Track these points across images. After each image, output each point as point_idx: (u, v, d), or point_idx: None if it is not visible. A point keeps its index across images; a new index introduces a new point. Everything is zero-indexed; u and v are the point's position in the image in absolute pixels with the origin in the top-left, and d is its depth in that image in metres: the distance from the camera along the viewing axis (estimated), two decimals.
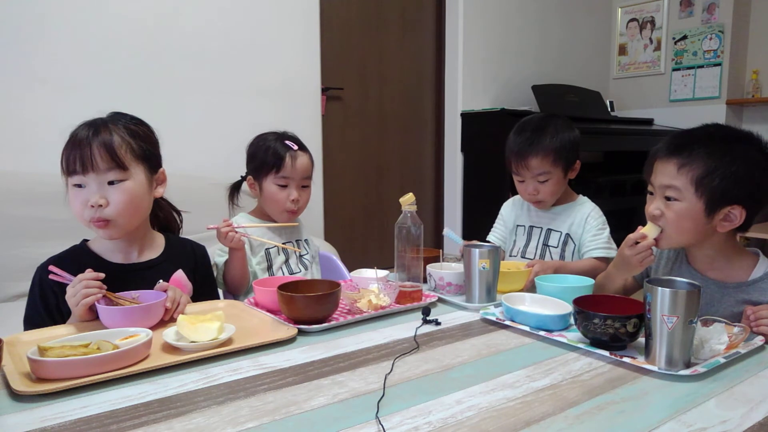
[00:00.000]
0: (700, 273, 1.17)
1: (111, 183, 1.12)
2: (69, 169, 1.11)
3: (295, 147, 1.54)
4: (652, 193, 1.16)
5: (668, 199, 1.11)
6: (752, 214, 1.09)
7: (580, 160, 1.60)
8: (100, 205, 1.10)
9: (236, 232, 1.37)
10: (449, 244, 3.95)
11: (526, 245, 1.65)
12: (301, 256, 1.59)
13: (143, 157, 1.17)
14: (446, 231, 1.57)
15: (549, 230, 1.61)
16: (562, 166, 1.54)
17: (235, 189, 1.62)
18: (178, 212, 1.38)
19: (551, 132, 1.54)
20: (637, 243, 1.14)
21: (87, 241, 1.23)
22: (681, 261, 1.21)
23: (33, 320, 1.14)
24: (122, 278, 1.14)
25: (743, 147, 1.08)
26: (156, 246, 1.27)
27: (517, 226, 1.69)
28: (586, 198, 1.66)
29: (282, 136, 1.56)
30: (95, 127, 1.13)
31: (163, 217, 1.34)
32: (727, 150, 1.07)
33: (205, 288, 1.31)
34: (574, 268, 1.47)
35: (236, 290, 1.46)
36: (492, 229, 1.76)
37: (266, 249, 1.54)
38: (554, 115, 1.65)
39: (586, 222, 1.58)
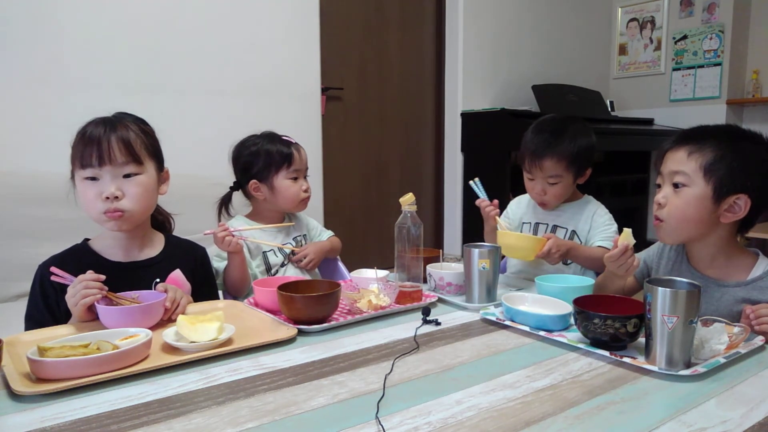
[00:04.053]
0: (700, 272, 1.17)
1: (126, 176, 1.14)
2: (84, 163, 1.11)
3: (293, 140, 1.60)
4: (659, 185, 1.18)
5: (676, 186, 1.12)
6: (756, 208, 1.11)
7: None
8: (116, 197, 1.12)
9: (233, 236, 1.38)
10: (449, 243, 3.93)
11: None
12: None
13: (153, 153, 1.21)
14: (473, 182, 1.59)
15: (555, 227, 1.62)
16: (574, 171, 1.55)
17: (225, 202, 1.62)
18: (170, 215, 1.39)
19: (570, 136, 1.54)
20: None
21: (88, 240, 1.23)
22: (681, 261, 1.22)
23: (34, 318, 1.14)
24: (122, 276, 1.15)
25: (751, 144, 1.12)
26: (156, 245, 1.27)
27: (523, 223, 1.70)
28: (591, 197, 1.67)
29: (272, 136, 1.59)
30: (110, 123, 1.15)
31: (162, 219, 1.35)
32: (735, 143, 1.11)
33: (204, 289, 1.31)
34: (586, 252, 1.51)
35: (238, 293, 1.46)
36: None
37: (263, 252, 1.55)
38: (574, 118, 1.66)
39: (592, 219, 1.59)
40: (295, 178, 1.57)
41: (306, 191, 1.60)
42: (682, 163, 1.11)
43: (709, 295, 1.14)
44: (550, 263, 1.49)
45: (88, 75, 2.20)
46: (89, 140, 1.12)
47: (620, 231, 1.17)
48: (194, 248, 1.34)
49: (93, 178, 1.12)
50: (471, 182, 1.58)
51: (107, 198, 1.11)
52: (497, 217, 1.54)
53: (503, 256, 1.68)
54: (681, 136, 1.16)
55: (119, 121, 1.16)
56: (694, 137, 1.13)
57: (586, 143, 1.56)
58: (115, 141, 1.12)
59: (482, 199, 1.57)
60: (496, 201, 1.57)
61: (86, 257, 1.18)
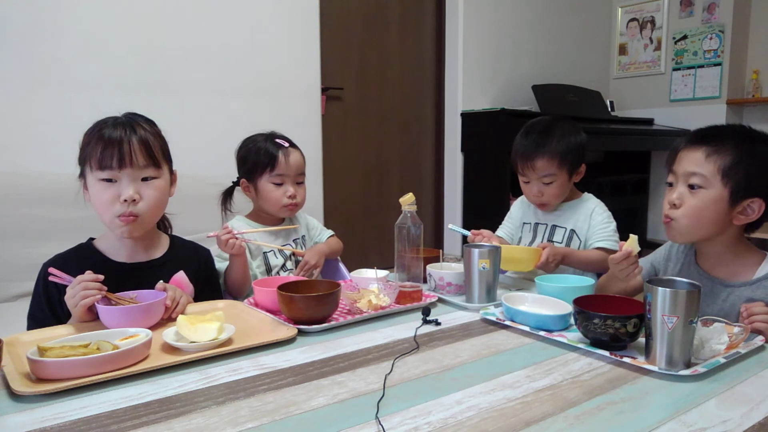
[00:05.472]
0: (707, 272, 1.17)
1: (144, 180, 1.14)
2: (102, 164, 1.11)
3: (286, 144, 1.56)
4: (671, 184, 1.17)
5: (692, 187, 1.12)
6: (767, 212, 1.11)
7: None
8: (134, 200, 1.12)
9: (236, 239, 1.37)
10: (450, 243, 3.94)
11: (532, 242, 1.66)
12: (298, 261, 1.59)
13: (167, 157, 1.22)
14: (451, 226, 1.59)
15: (554, 226, 1.63)
16: (567, 168, 1.56)
17: (227, 195, 1.62)
18: (165, 215, 1.39)
19: (558, 135, 1.55)
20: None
21: (93, 239, 1.23)
22: (690, 262, 1.22)
23: (36, 316, 1.15)
24: (126, 277, 1.15)
25: (766, 147, 1.11)
26: (161, 246, 1.27)
27: (524, 223, 1.71)
28: (590, 195, 1.67)
29: (271, 136, 1.57)
30: (128, 124, 1.14)
31: (160, 220, 1.35)
32: (753, 146, 1.10)
33: (207, 291, 1.30)
34: (581, 257, 1.51)
35: (239, 293, 1.46)
36: (501, 225, 1.78)
37: (264, 252, 1.54)
38: (562, 117, 1.67)
39: (591, 217, 1.59)
40: (280, 184, 1.52)
41: (291, 197, 1.53)
42: (699, 165, 1.10)
43: (716, 296, 1.14)
44: (546, 272, 1.49)
45: (88, 75, 2.20)
46: (109, 141, 1.11)
47: (627, 237, 1.17)
48: (198, 250, 1.34)
49: (109, 180, 1.12)
50: (449, 227, 1.58)
51: (125, 201, 1.11)
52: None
53: None
54: (697, 135, 1.14)
55: (135, 122, 1.15)
56: (711, 138, 1.12)
57: (575, 140, 1.57)
58: (137, 143, 1.12)
59: (470, 236, 1.54)
60: (483, 231, 1.55)
61: (91, 257, 1.18)
